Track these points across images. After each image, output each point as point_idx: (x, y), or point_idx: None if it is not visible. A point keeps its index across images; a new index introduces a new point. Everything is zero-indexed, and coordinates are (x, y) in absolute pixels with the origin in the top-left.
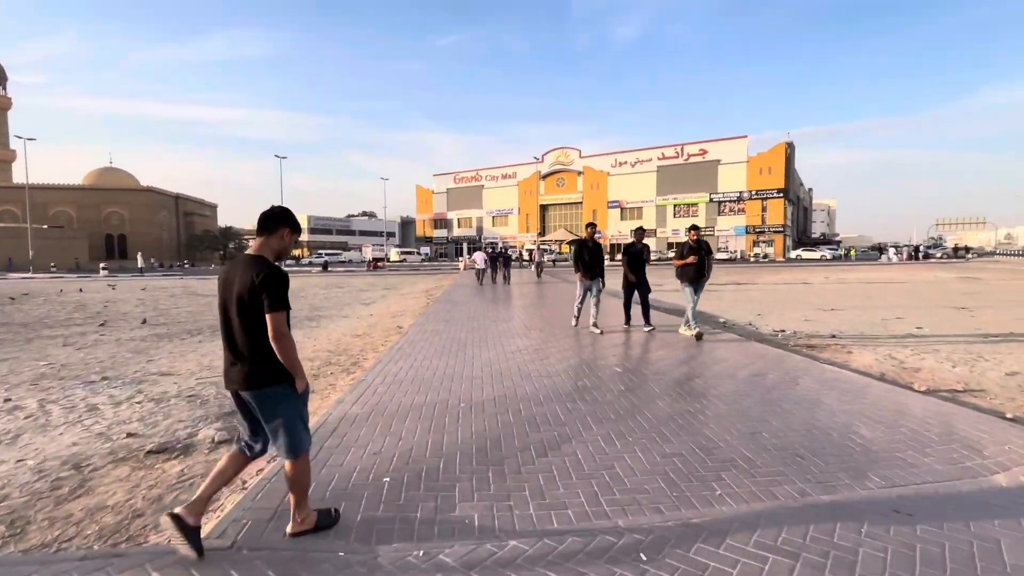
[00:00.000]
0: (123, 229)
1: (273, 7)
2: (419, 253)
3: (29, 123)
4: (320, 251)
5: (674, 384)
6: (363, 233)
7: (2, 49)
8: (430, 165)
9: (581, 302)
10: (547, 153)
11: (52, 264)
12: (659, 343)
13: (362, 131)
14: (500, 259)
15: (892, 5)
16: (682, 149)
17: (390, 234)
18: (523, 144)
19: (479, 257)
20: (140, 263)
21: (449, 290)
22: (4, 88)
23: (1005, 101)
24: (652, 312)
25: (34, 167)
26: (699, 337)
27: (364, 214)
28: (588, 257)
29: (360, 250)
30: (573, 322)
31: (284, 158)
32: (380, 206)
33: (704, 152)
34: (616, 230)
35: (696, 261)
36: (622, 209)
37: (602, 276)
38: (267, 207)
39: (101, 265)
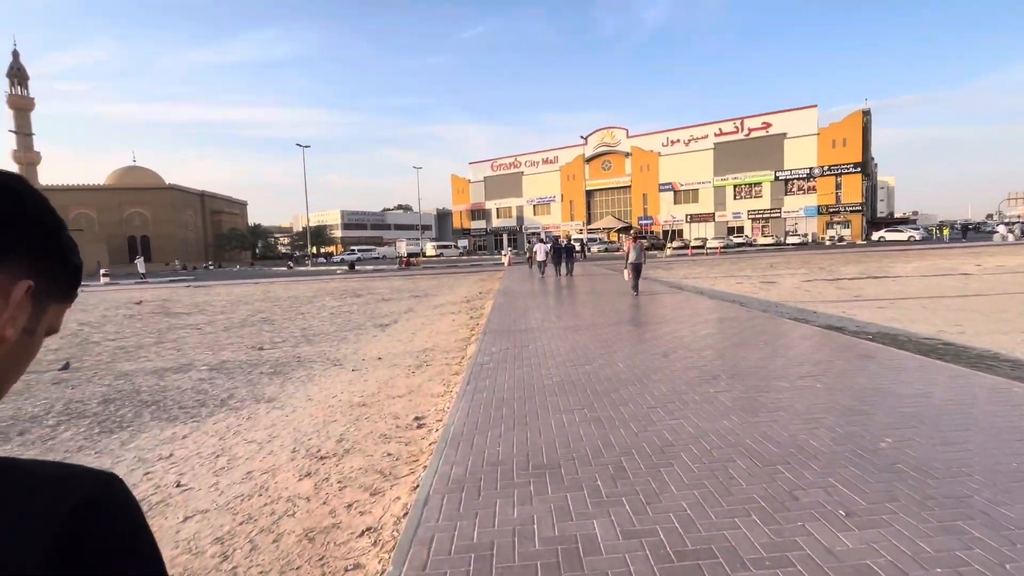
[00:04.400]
0: (145, 230)
1: (297, 7)
2: (456, 247)
3: (69, 129)
4: (352, 248)
5: None
6: (398, 227)
7: (42, 57)
8: (465, 157)
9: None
10: (592, 134)
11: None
12: None
13: (394, 126)
14: (564, 251)
15: None
16: (742, 123)
17: (426, 227)
18: (559, 133)
19: (540, 249)
20: (141, 268)
21: (503, 302)
22: (26, 89)
23: None
24: None
25: (67, 173)
26: None
27: (400, 208)
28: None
29: (395, 245)
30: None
31: (307, 147)
32: (415, 200)
33: (768, 125)
34: (669, 214)
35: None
36: (675, 192)
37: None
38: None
39: (102, 271)
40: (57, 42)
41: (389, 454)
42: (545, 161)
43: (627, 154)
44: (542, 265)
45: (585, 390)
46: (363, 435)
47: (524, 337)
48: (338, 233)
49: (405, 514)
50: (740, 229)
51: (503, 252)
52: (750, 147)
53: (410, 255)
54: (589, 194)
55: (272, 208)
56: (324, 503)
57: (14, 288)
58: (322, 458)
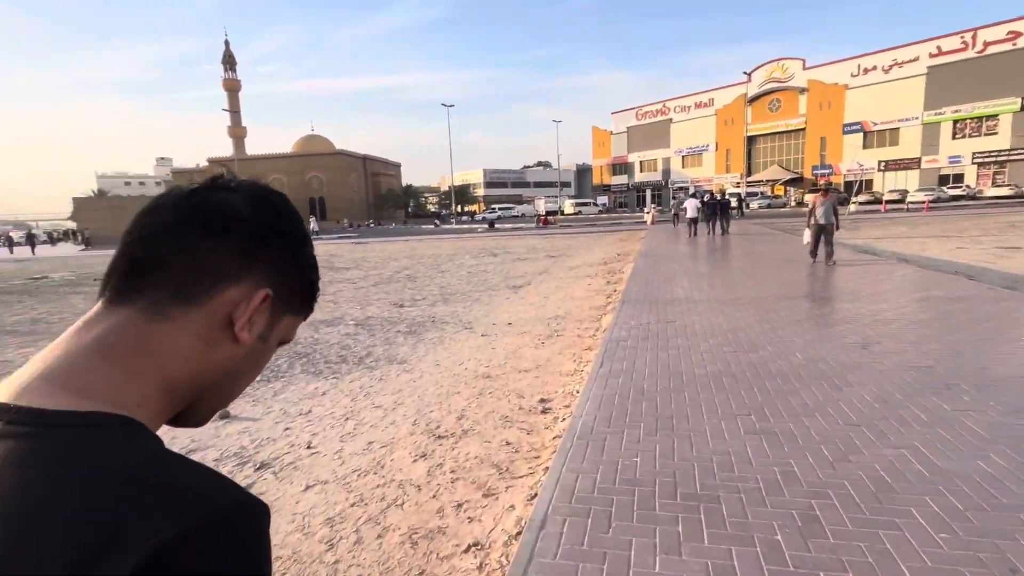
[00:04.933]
0: (322, 192)
1: None
2: (595, 204)
3: (265, 105)
4: (493, 206)
5: None
6: (537, 184)
7: (248, 44)
8: (607, 109)
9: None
10: (757, 69)
11: None
12: None
13: (533, 80)
14: (718, 207)
15: None
16: (974, 37)
17: (565, 184)
18: (710, 75)
19: (691, 204)
20: (314, 226)
21: (645, 265)
22: (235, 73)
23: None
24: None
25: (261, 143)
26: None
27: (540, 164)
28: None
29: (533, 203)
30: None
31: (451, 106)
32: (555, 155)
33: (1015, 36)
34: (854, 161)
35: None
36: (865, 133)
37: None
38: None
39: None
40: (258, 31)
41: (508, 443)
42: (698, 105)
43: (802, 90)
44: (692, 223)
45: (751, 387)
46: (484, 414)
47: (669, 310)
48: (480, 192)
49: (518, 533)
50: (957, 178)
51: (646, 209)
52: (984, 68)
53: (548, 213)
54: (750, 141)
55: (423, 169)
56: (434, 496)
57: (255, 295)
58: (439, 437)
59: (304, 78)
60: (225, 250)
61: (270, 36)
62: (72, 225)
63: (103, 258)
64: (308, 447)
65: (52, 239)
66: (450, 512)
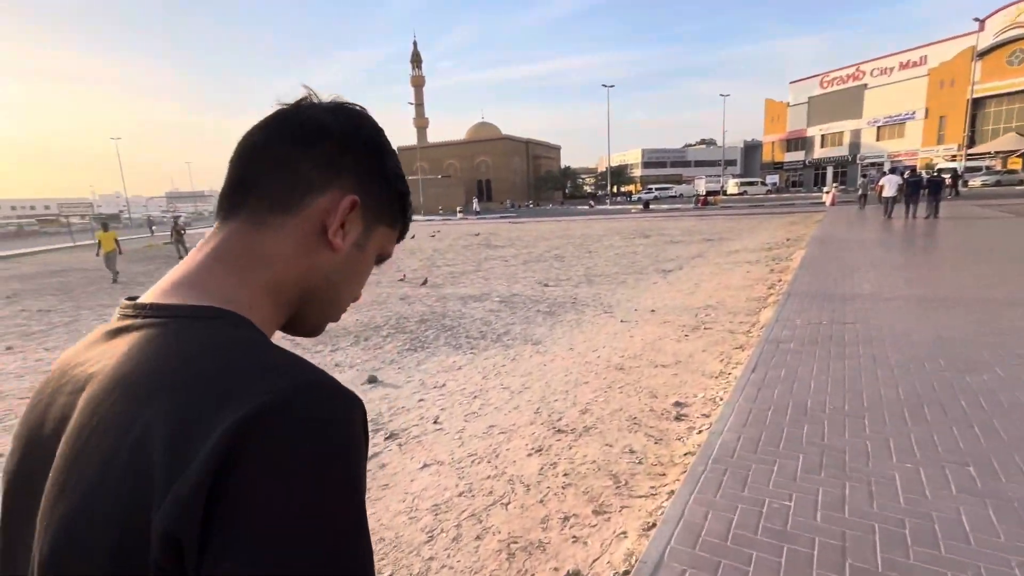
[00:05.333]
0: (489, 175)
1: None
2: (763, 183)
3: (443, 98)
4: (649, 186)
5: None
6: (699, 164)
7: (430, 42)
8: (781, 80)
9: None
10: (995, 14)
11: (440, 207)
12: None
13: (697, 54)
14: (926, 185)
15: None
16: None
17: (729, 162)
18: (924, 29)
19: (890, 182)
20: (476, 207)
21: (819, 253)
22: (420, 69)
23: None
24: None
25: (440, 131)
26: None
27: (703, 143)
28: None
29: (693, 183)
30: None
31: (611, 86)
32: (720, 132)
33: None
34: None
35: None
36: None
37: None
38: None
39: (458, 208)
40: (442, 31)
41: (632, 450)
42: (904, 65)
43: None
44: (889, 203)
45: (969, 424)
46: (610, 411)
47: (849, 308)
48: (637, 172)
49: (626, 573)
50: None
51: (825, 189)
52: None
53: (708, 193)
54: (976, 104)
55: (580, 151)
56: (541, 502)
57: (343, 201)
58: (559, 431)
59: (478, 69)
60: (313, 161)
61: (451, 34)
62: None
63: None
64: (435, 422)
65: None
66: (555, 524)
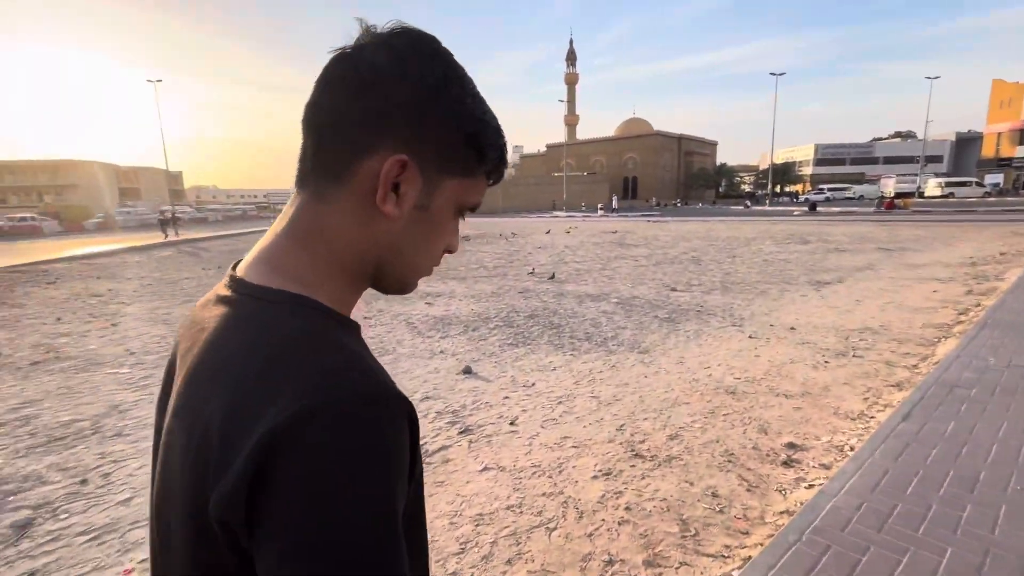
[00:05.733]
0: (636, 172)
1: None
2: (979, 184)
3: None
4: (820, 186)
5: None
6: (889, 160)
7: (587, 39)
8: (1014, 57)
9: None
10: None
11: (582, 204)
12: None
13: (890, 33)
14: None
15: None
16: None
17: (933, 159)
18: None
19: None
20: (614, 204)
21: None
22: (574, 67)
23: None
24: None
25: (590, 128)
26: None
27: (897, 135)
28: None
29: (878, 183)
30: None
31: (781, 74)
32: (921, 123)
33: None
34: None
35: None
36: None
37: None
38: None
39: (599, 205)
40: (599, 27)
41: (715, 494)
42: None
43: None
44: None
45: None
46: (703, 441)
47: None
48: (808, 170)
49: None
50: None
51: None
52: None
53: (897, 195)
54: None
55: (740, 147)
56: (589, 536)
57: (386, 163)
58: (637, 455)
59: (635, 64)
60: (360, 115)
61: (609, 31)
62: None
63: (466, 224)
64: (511, 423)
65: None
66: (595, 567)
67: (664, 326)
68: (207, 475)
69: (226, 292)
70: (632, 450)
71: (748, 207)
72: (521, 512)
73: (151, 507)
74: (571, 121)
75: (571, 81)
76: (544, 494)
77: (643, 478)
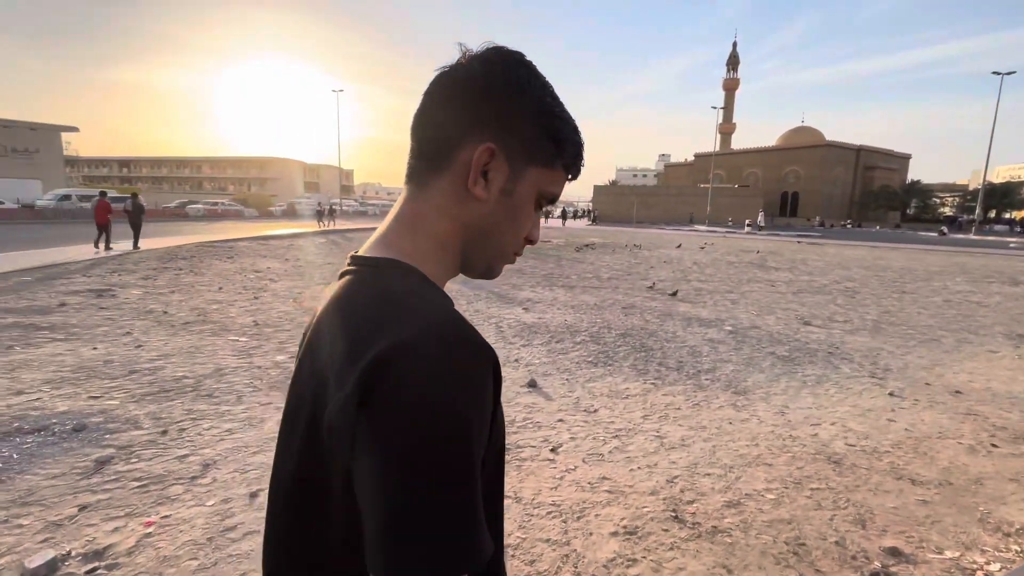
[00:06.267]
0: (797, 187)
1: None
2: None
3: (759, 101)
4: None
5: None
6: None
7: (752, 42)
8: None
9: None
10: None
11: (729, 219)
12: None
13: None
14: None
15: None
16: None
17: None
18: None
19: None
20: (761, 221)
21: None
22: (736, 72)
23: None
24: None
25: (748, 137)
26: None
27: None
28: None
29: None
30: None
31: (1010, 73)
32: None
33: None
34: None
35: None
36: None
37: None
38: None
39: (747, 221)
40: (769, 29)
41: None
42: None
43: None
44: None
45: None
46: (768, 518)
47: None
48: None
49: None
50: None
51: None
52: None
53: None
54: None
55: (943, 163)
56: None
57: (477, 150)
58: (676, 518)
59: (809, 67)
60: (456, 115)
61: (779, 32)
62: (589, 206)
63: (597, 232)
64: (553, 450)
65: (570, 215)
66: None
67: (778, 365)
68: (326, 393)
69: (348, 267)
70: (673, 510)
71: (944, 234)
72: (511, 557)
73: (278, 435)
74: (726, 129)
75: (730, 87)
76: (548, 540)
77: (671, 548)
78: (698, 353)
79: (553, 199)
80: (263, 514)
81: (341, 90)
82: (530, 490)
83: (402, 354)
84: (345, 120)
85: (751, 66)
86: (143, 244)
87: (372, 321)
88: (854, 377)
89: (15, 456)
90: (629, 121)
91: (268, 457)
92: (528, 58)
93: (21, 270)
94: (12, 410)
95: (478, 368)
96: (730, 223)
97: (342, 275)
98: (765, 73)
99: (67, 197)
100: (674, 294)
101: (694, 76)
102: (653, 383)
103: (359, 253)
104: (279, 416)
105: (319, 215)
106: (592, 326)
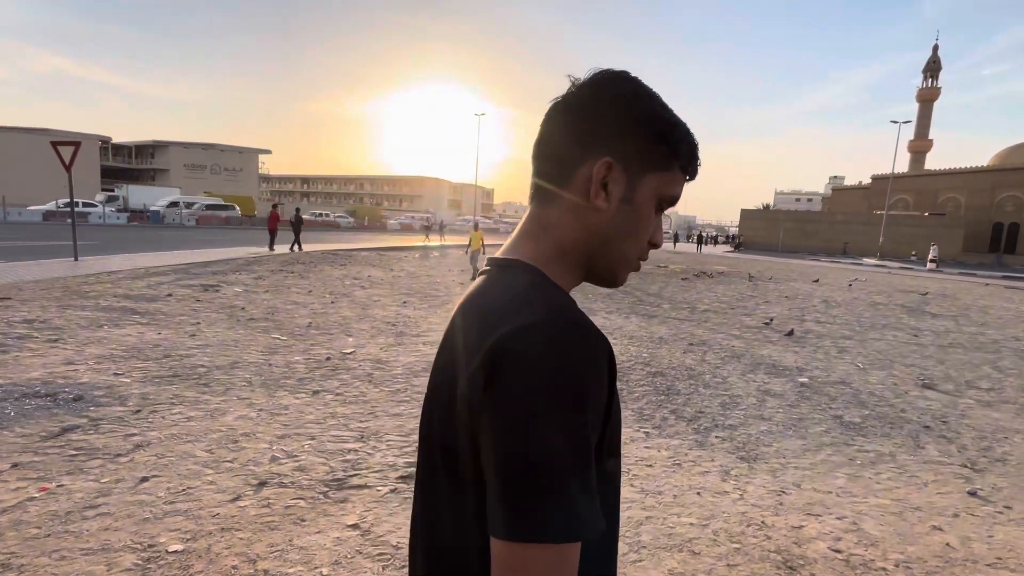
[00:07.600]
0: (1016, 217)
1: None
2: None
3: (970, 113)
4: None
5: None
6: None
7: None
8: None
9: None
10: None
11: (913, 252)
12: None
13: None
14: None
15: None
16: None
17: None
18: None
19: None
20: (932, 254)
21: None
22: (936, 80)
23: None
24: None
25: (949, 156)
26: None
27: None
28: None
29: None
30: None
31: None
32: None
33: None
34: None
35: None
36: None
37: None
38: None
39: (929, 257)
40: (991, 29)
41: None
42: None
43: None
44: None
45: None
46: None
47: None
48: None
49: None
50: None
51: None
52: None
53: None
54: None
55: None
56: None
57: (596, 166)
58: None
59: None
60: (575, 136)
61: (1005, 32)
62: (735, 231)
63: (730, 260)
64: None
65: (708, 240)
66: None
67: (832, 432)
68: (461, 367)
69: (486, 268)
70: None
71: None
72: None
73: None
74: (919, 147)
75: (927, 97)
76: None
77: None
78: (734, 405)
79: (673, 201)
80: (136, 498)
81: (483, 114)
82: (392, 529)
83: (524, 334)
84: (491, 142)
85: (967, 72)
86: (305, 247)
87: (498, 310)
88: (935, 463)
89: (12, 414)
90: (798, 139)
91: (195, 447)
92: (633, 75)
93: (200, 263)
94: (50, 376)
95: (594, 350)
96: (913, 256)
97: (480, 274)
98: (987, 81)
99: (175, 204)
100: (790, 334)
101: (880, 89)
102: (648, 432)
103: (496, 255)
104: (242, 410)
105: (426, 229)
106: (630, 360)
